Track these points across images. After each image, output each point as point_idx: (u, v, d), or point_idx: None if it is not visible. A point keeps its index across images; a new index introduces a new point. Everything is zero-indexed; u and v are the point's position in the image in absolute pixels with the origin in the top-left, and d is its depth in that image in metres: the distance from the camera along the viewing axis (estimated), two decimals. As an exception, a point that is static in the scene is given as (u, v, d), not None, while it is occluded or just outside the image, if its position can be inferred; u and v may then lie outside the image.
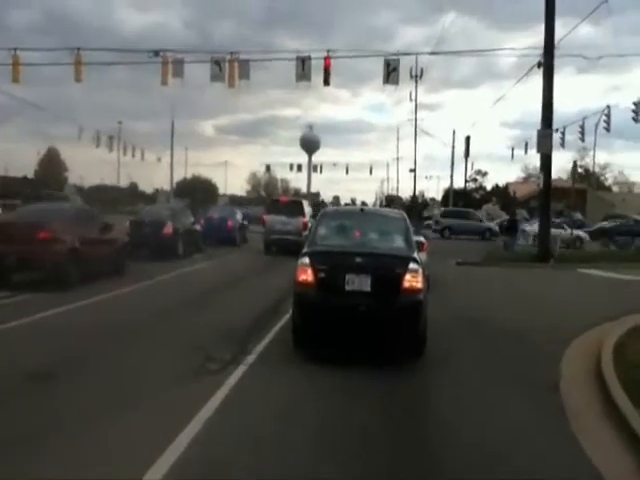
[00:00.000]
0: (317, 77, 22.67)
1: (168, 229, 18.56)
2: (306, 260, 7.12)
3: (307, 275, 7.05)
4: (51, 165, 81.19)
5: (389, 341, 7.33)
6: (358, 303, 6.91)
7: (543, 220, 22.87)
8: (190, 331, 8.43)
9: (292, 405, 5.59)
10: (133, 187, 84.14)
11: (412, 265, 6.99)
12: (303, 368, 6.81)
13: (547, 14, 21.40)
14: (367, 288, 6.91)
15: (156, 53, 25.02)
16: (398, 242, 7.81)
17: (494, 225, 38.83)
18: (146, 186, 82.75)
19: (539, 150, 22.82)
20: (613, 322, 10.00)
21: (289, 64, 22.33)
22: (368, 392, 6.12)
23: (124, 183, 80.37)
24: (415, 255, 7.28)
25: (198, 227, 22.01)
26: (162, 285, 13.22)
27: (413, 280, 6.93)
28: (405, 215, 8.50)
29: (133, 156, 54.65)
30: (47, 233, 11.41)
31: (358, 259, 7.00)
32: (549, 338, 8.89)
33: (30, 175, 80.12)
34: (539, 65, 22.42)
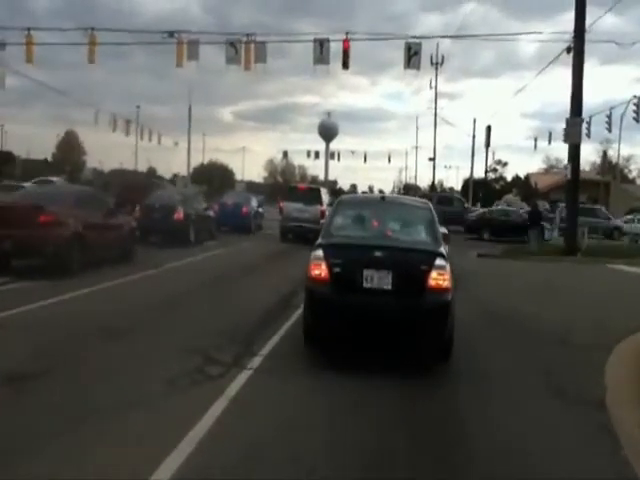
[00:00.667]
0: (336, 63, 21.94)
1: (179, 214, 17.93)
2: (320, 253, 6.36)
3: (320, 270, 6.30)
4: (69, 148, 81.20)
5: (411, 345, 6.57)
6: (377, 302, 6.15)
7: (570, 212, 21.89)
8: (191, 327, 7.72)
9: (298, 422, 4.85)
10: (152, 172, 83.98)
11: (439, 261, 6.20)
12: (313, 375, 6.07)
13: (578, -4, 20.27)
14: (388, 286, 6.14)
15: (171, 34, 24.30)
16: (423, 235, 7.00)
17: (621, 223, 36.37)
18: (164, 171, 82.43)
19: (567, 140, 21.78)
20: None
21: (308, 50, 21.60)
22: (386, 405, 5.36)
23: (143, 168, 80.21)
24: (442, 250, 6.47)
25: (211, 213, 21.36)
26: (169, 274, 12.55)
27: (440, 278, 6.15)
28: (430, 205, 7.67)
29: (150, 140, 54.16)
30: (48, 216, 10.79)
31: (378, 253, 6.22)
32: (587, 342, 8.07)
33: (50, 158, 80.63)
34: (568, 50, 21.27)
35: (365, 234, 6.97)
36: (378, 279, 6.16)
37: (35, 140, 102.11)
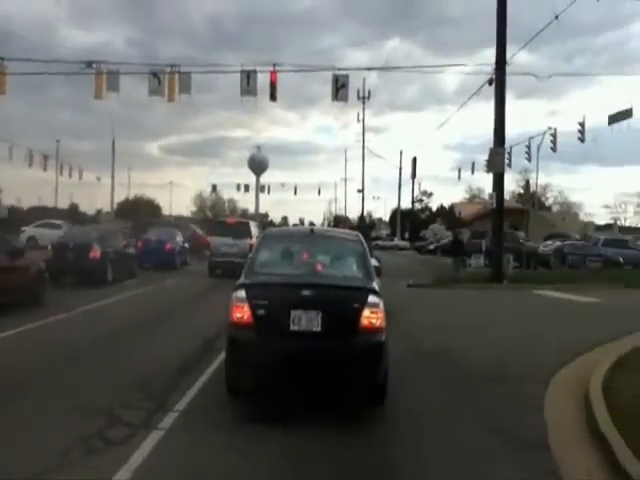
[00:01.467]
0: (264, 96, 21.73)
1: (95, 253, 16.76)
2: (241, 294, 5.72)
3: (242, 312, 5.65)
4: (-18, 185, 76.64)
5: (344, 390, 6.00)
6: (306, 346, 5.55)
7: (496, 240, 22.27)
8: (96, 382, 6.79)
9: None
10: (74, 208, 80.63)
11: (372, 298, 5.69)
12: (236, 430, 5.37)
13: (498, 30, 21.03)
14: (317, 327, 5.57)
15: (89, 64, 23.31)
16: (354, 269, 6.50)
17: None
18: (87, 207, 79.19)
19: (491, 169, 22.34)
20: (589, 354, 9.03)
21: (236, 84, 21.24)
22: (318, 460, 4.76)
23: (64, 204, 76.73)
24: (375, 286, 5.98)
25: (132, 250, 20.21)
26: (79, 319, 11.44)
27: (373, 317, 5.64)
28: (361, 237, 7.20)
29: (70, 176, 52.18)
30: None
31: (306, 292, 5.64)
32: (523, 375, 7.77)
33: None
34: (490, 82, 21.96)
35: (292, 271, 6.39)
36: (307, 321, 5.58)
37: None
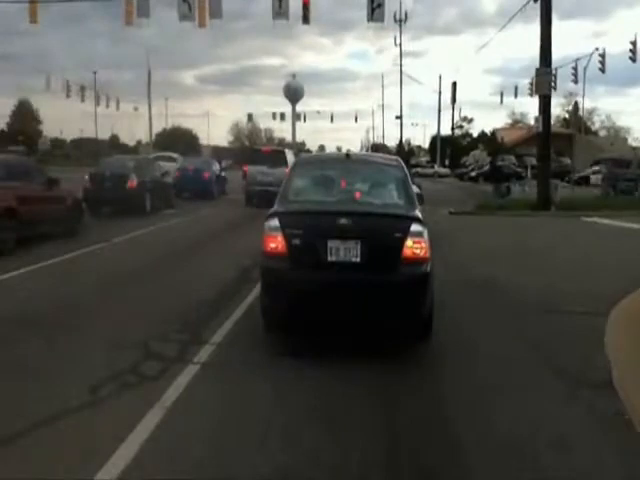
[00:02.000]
0: (298, 21, 20.64)
1: (132, 183, 16.62)
2: (275, 223, 5.34)
3: (276, 242, 5.30)
4: (24, 117, 77.53)
5: (386, 324, 5.67)
6: (345, 278, 5.20)
7: (543, 165, 21.22)
8: (131, 313, 6.66)
9: (251, 436, 3.90)
10: (114, 139, 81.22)
11: (415, 227, 5.25)
12: (273, 367, 5.10)
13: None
14: (356, 258, 5.19)
15: (119, -11, 22.52)
16: (395, 197, 6.02)
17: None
18: (127, 138, 79.77)
19: (537, 91, 21.00)
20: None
21: (269, 11, 20.14)
22: (360, 398, 4.50)
23: (105, 135, 77.35)
24: (418, 213, 5.51)
25: (169, 179, 20.05)
26: (115, 249, 11.37)
27: (417, 246, 5.21)
28: (402, 162, 6.67)
29: (107, 106, 52.09)
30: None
31: (343, 220, 5.23)
32: (579, 306, 7.30)
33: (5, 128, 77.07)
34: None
35: (328, 199, 5.97)
36: (345, 251, 5.19)
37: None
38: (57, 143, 78.02)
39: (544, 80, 20.13)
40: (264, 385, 4.74)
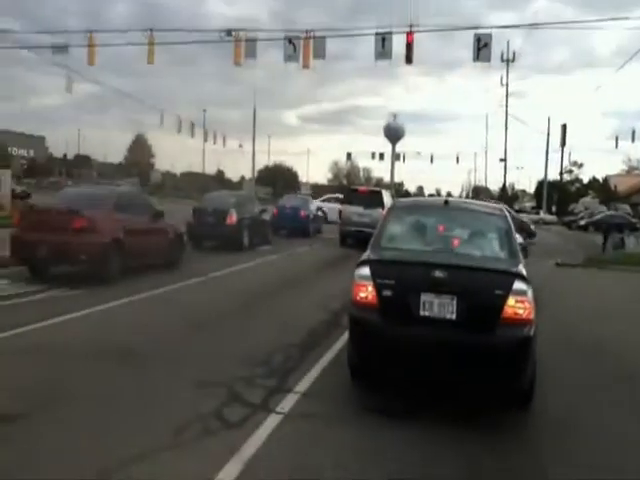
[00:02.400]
0: (400, 62, 20.70)
1: (232, 218, 17.11)
2: (366, 271, 5.15)
3: (366, 292, 5.09)
4: (139, 151, 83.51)
5: (479, 391, 5.25)
6: (437, 336, 4.88)
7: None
8: (220, 352, 6.66)
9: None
10: (220, 174, 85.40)
11: (518, 284, 4.85)
12: (359, 424, 4.85)
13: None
14: (451, 315, 4.87)
15: (228, 33, 23.84)
16: (497, 249, 5.65)
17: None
18: (232, 173, 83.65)
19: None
20: None
21: (372, 53, 20.42)
22: (442, 474, 4.13)
23: (211, 170, 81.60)
24: (522, 269, 5.11)
25: (267, 217, 20.49)
26: (211, 284, 11.61)
27: (519, 306, 4.81)
28: (506, 211, 6.28)
29: (214, 143, 54.75)
30: (83, 221, 10.10)
31: (439, 273, 4.94)
32: None
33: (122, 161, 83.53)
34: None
35: (424, 248, 5.70)
36: (439, 306, 4.89)
37: (110, 144, 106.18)
38: (168, 176, 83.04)
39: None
40: (345, 443, 4.50)
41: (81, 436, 4.34)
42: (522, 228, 22.71)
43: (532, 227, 28.19)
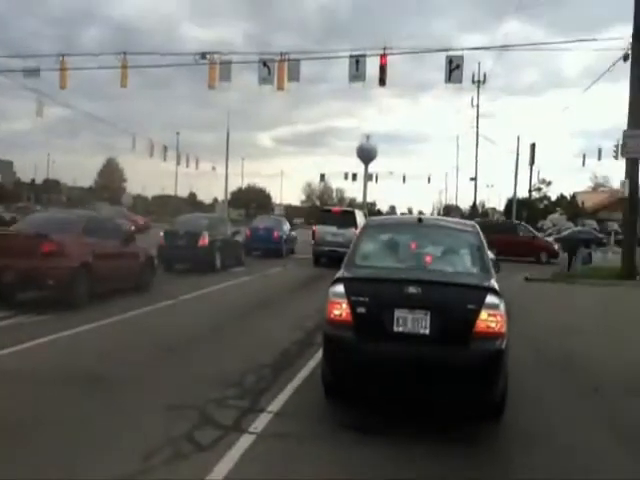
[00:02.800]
0: (374, 84, 21.01)
1: (204, 240, 16.98)
2: (339, 289, 5.13)
3: (341, 310, 5.07)
4: (110, 175, 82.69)
5: (454, 401, 5.24)
6: (412, 351, 4.86)
7: (628, 231, 20.11)
8: (190, 374, 6.53)
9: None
10: (192, 197, 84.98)
11: (490, 298, 4.89)
12: (334, 441, 4.80)
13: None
14: (425, 330, 4.87)
15: (203, 56, 23.88)
16: (469, 265, 5.70)
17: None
18: (205, 196, 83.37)
19: (624, 154, 20.11)
20: None
21: (345, 76, 20.67)
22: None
23: (184, 193, 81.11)
24: (494, 284, 5.16)
25: (239, 238, 20.40)
26: (182, 307, 11.44)
27: (492, 320, 4.83)
28: (478, 228, 6.35)
29: (187, 166, 54.56)
30: (52, 245, 9.89)
31: (412, 289, 4.95)
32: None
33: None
34: (625, 58, 19.71)
35: (397, 265, 5.71)
36: (413, 322, 4.89)
37: (80, 168, 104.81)
38: (139, 199, 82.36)
39: (632, 143, 19.31)
40: (319, 461, 4.43)
41: (48, 463, 4.19)
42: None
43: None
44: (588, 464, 4.67)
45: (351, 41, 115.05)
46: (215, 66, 22.88)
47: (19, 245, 10.02)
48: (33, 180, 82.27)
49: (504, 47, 35.62)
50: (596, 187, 77.97)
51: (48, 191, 77.26)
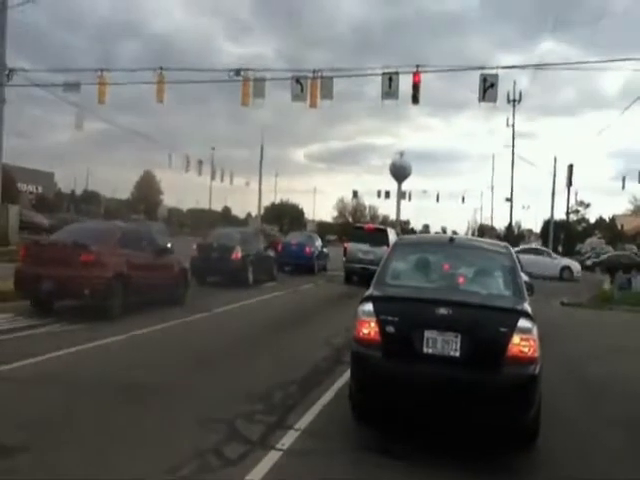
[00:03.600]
0: (408, 102, 20.98)
1: (237, 255, 17.14)
2: (369, 307, 5.12)
3: (369, 329, 5.05)
4: (147, 188, 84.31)
5: (484, 429, 5.15)
6: (441, 374, 4.81)
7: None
8: (222, 388, 6.58)
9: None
10: (226, 211, 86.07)
11: (523, 322, 4.81)
12: (357, 463, 4.76)
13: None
14: (455, 352, 4.81)
15: (237, 72, 24.26)
16: (502, 287, 5.62)
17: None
18: (239, 210, 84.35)
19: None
20: None
21: (379, 93, 20.73)
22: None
23: (218, 207, 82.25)
24: (527, 307, 5.08)
25: (272, 253, 20.53)
26: (215, 320, 11.56)
27: (524, 344, 4.75)
28: (511, 249, 6.27)
29: (222, 180, 55.21)
30: (89, 256, 10.13)
31: (443, 310, 4.91)
32: None
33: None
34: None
35: (427, 285, 5.68)
36: (443, 343, 4.84)
37: (118, 180, 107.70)
38: (175, 212, 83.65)
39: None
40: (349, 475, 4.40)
41: (79, 469, 4.26)
42: None
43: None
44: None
45: (384, 59, 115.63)
46: (248, 83, 23.17)
47: (57, 254, 10.29)
48: (73, 191, 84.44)
49: (539, 65, 35.09)
50: (636, 210, 76.11)
51: (87, 202, 79.28)
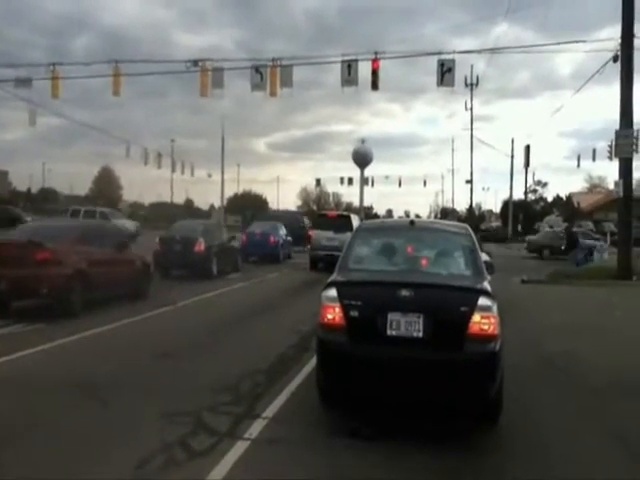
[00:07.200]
0: (367, 88, 21.04)
1: (200, 246, 16.97)
2: (332, 293, 5.13)
3: (334, 314, 5.06)
4: (106, 183, 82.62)
5: (450, 405, 5.23)
6: (405, 354, 4.86)
7: (623, 232, 20.14)
8: (187, 381, 6.53)
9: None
10: (189, 203, 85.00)
11: (483, 300, 4.89)
12: (329, 448, 4.78)
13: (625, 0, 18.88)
14: (418, 333, 4.86)
15: (195, 63, 23.88)
16: (462, 267, 5.70)
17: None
18: (201, 202, 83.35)
19: (617, 154, 20.15)
20: None
21: (338, 81, 20.70)
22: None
23: (180, 200, 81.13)
24: (486, 286, 5.16)
25: (236, 244, 20.39)
26: (179, 313, 11.44)
27: (485, 322, 4.83)
28: (471, 230, 6.36)
29: (182, 173, 54.51)
30: (45, 253, 9.87)
31: (405, 292, 4.95)
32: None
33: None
34: (615, 59, 19.81)
35: (390, 268, 5.71)
36: (406, 325, 4.89)
37: (77, 177, 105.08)
38: (136, 206, 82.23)
39: (625, 142, 19.39)
40: (314, 467, 4.42)
41: (40, 470, 4.18)
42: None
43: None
44: (583, 470, 4.67)
45: (343, 46, 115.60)
46: (207, 73, 22.87)
47: (13, 253, 10.00)
48: (29, 189, 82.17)
49: (495, 50, 35.71)
50: (592, 188, 78.29)
51: (44, 200, 77.21)
